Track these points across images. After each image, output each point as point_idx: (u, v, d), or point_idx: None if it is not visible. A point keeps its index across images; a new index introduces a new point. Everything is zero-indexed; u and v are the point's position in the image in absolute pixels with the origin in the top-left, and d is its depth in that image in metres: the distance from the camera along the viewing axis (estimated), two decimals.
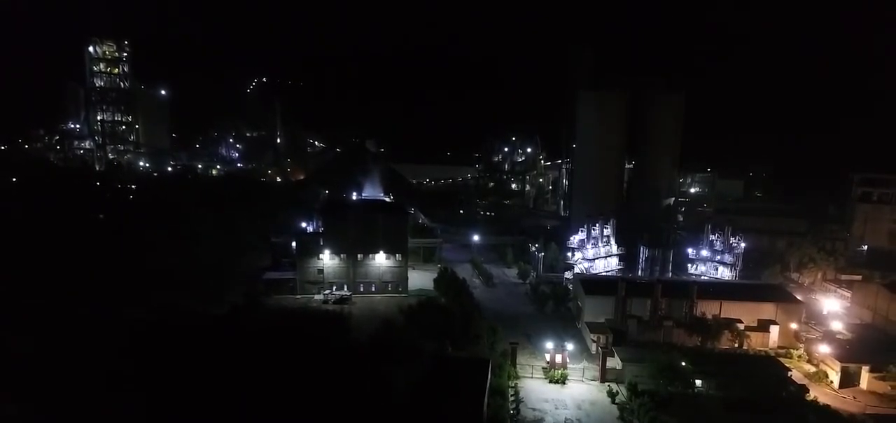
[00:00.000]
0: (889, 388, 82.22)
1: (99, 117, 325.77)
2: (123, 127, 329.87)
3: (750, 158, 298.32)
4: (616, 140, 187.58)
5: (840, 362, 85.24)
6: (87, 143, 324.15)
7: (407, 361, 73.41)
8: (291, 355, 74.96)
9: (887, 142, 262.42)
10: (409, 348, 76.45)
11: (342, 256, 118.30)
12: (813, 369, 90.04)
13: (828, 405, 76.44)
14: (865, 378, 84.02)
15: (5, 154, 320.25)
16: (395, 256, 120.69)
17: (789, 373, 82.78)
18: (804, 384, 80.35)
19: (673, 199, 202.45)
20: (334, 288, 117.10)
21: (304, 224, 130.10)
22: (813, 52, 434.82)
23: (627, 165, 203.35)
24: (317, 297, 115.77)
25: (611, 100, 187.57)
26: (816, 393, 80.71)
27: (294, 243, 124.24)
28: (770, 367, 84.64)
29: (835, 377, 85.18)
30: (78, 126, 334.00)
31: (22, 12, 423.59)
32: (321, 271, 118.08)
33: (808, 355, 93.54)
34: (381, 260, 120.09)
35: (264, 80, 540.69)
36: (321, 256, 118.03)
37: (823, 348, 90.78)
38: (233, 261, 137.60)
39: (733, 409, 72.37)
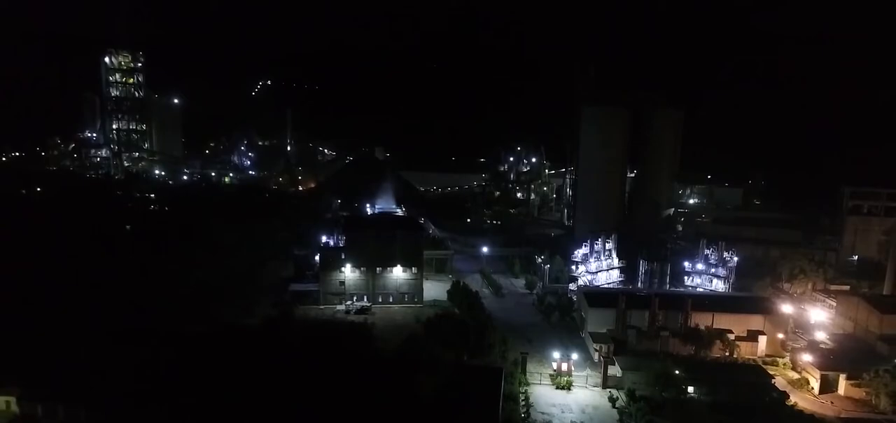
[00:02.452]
0: (864, 394, 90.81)
1: (114, 126, 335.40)
2: (137, 135, 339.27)
3: (750, 165, 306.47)
4: (618, 154, 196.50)
5: (819, 369, 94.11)
6: (103, 151, 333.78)
7: (430, 370, 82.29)
8: (326, 363, 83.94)
9: (883, 152, 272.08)
10: (431, 358, 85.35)
11: (362, 269, 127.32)
12: (796, 376, 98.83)
13: (803, 410, 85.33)
14: (843, 385, 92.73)
15: (24, 161, 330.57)
16: (411, 269, 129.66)
17: (772, 380, 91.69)
18: (785, 391, 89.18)
19: (672, 209, 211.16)
20: (354, 299, 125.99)
21: (325, 238, 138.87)
22: (814, 62, 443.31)
23: (629, 174, 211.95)
24: (339, 307, 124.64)
25: (613, 115, 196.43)
26: (798, 398, 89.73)
27: (317, 257, 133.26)
28: (755, 375, 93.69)
29: (815, 384, 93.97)
30: (94, 135, 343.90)
31: (38, 23, 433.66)
32: (343, 283, 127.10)
33: (792, 363, 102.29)
34: (398, 273, 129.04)
35: (269, 82, 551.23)
36: (343, 269, 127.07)
37: (806, 357, 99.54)
38: (257, 272, 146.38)
39: (720, 413, 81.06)
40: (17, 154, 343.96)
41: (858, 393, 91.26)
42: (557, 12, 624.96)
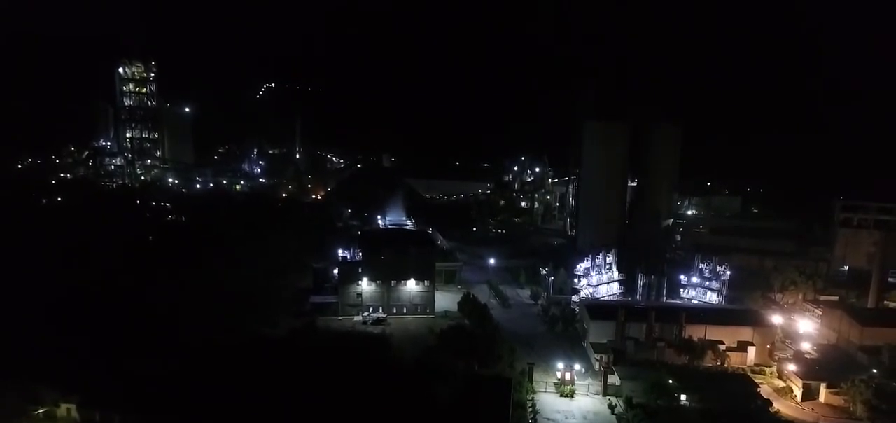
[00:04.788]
0: (843, 401, 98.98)
1: (128, 134, 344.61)
2: (150, 144, 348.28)
3: (750, 171, 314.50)
4: (618, 168, 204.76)
5: (802, 378, 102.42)
6: (117, 159, 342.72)
7: (445, 379, 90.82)
8: (350, 372, 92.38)
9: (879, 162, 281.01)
10: (446, 369, 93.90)
11: (378, 282, 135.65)
12: (782, 384, 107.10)
13: (785, 416, 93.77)
14: (823, 393, 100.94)
15: (39, 169, 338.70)
16: (424, 282, 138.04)
17: (758, 388, 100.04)
18: (769, 399, 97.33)
19: (672, 220, 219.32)
20: (371, 310, 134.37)
21: (342, 253, 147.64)
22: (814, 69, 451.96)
23: (631, 183, 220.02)
24: (356, 318, 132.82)
25: (613, 130, 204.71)
26: (781, 406, 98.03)
27: (336, 271, 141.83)
28: (742, 383, 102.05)
29: (798, 392, 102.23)
30: (108, 143, 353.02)
31: (53, 34, 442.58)
32: (360, 295, 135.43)
33: (778, 372, 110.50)
34: (411, 285, 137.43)
35: (273, 85, 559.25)
36: (360, 282, 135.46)
37: (790, 366, 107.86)
38: (276, 283, 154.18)
39: (709, 419, 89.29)
40: (31, 160, 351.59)
41: (837, 401, 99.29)
42: (561, 23, 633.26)
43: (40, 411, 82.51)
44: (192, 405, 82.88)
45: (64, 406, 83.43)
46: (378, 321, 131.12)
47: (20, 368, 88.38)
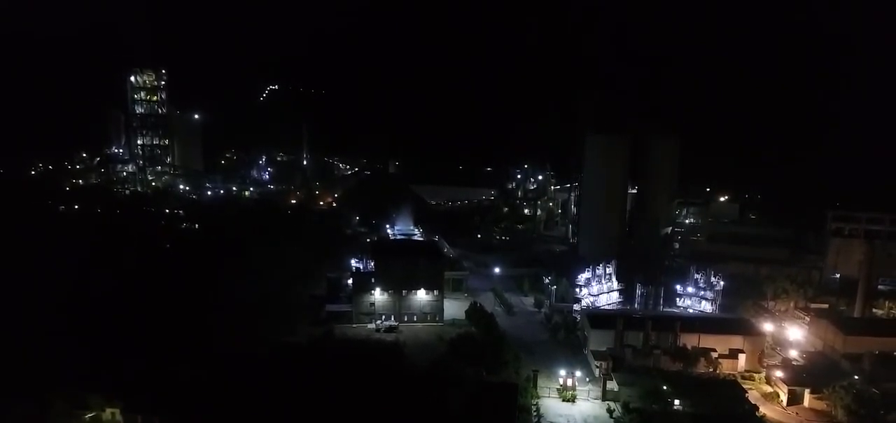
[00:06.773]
0: (825, 406, 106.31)
1: (139, 142, 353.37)
2: (160, 151, 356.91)
3: (749, 177, 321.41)
4: (619, 179, 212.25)
5: (787, 384, 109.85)
6: (129, 166, 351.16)
7: (457, 386, 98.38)
8: (367, 379, 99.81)
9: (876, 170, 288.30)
10: (457, 376, 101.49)
11: (390, 291, 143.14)
12: (769, 389, 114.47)
13: (770, 420, 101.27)
14: (807, 398, 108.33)
15: (52, 175, 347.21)
16: (433, 291, 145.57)
17: (746, 394, 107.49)
18: (756, 404, 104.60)
19: (671, 227, 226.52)
20: (383, 318, 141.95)
21: (355, 263, 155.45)
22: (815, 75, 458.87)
23: (631, 190, 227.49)
24: (369, 326, 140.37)
25: (614, 143, 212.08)
26: (768, 410, 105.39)
27: (350, 280, 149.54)
28: (732, 389, 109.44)
29: (784, 397, 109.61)
30: (120, 150, 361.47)
31: (64, 44, 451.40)
32: (373, 304, 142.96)
33: (766, 378, 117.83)
34: (421, 295, 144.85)
35: (276, 87, 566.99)
36: (373, 292, 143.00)
37: (778, 373, 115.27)
38: (291, 291, 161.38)
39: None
40: (41, 166, 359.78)
41: (821, 405, 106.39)
42: (563, 33, 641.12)
43: (88, 415, 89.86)
44: (227, 412, 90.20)
45: (109, 411, 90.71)
46: (390, 329, 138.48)
47: (64, 374, 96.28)
